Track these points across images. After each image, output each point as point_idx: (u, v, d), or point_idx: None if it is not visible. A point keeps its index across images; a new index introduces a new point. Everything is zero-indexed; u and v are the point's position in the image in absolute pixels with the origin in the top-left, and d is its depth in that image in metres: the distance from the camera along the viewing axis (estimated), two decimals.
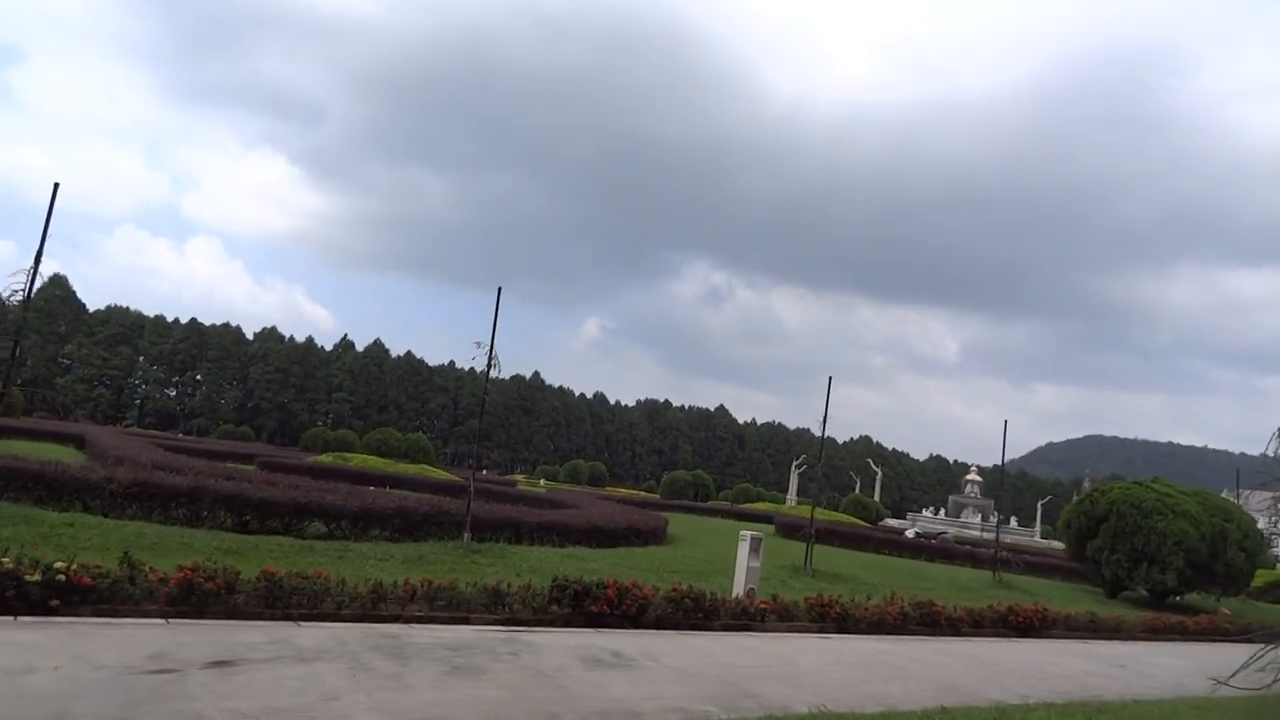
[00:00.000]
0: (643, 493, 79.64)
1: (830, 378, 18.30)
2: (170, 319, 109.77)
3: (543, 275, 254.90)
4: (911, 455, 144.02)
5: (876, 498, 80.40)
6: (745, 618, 11.70)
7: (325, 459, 31.83)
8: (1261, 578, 30.93)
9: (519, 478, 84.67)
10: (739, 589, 12.52)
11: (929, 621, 13.65)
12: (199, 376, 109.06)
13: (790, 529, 28.65)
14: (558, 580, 10.20)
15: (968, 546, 33.61)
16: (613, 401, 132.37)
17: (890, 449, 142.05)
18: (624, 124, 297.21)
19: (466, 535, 13.03)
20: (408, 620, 9.06)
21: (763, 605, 11.89)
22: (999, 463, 23.68)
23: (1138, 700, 9.57)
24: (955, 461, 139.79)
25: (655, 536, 19.25)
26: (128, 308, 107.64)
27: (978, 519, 74.95)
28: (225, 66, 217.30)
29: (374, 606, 9.03)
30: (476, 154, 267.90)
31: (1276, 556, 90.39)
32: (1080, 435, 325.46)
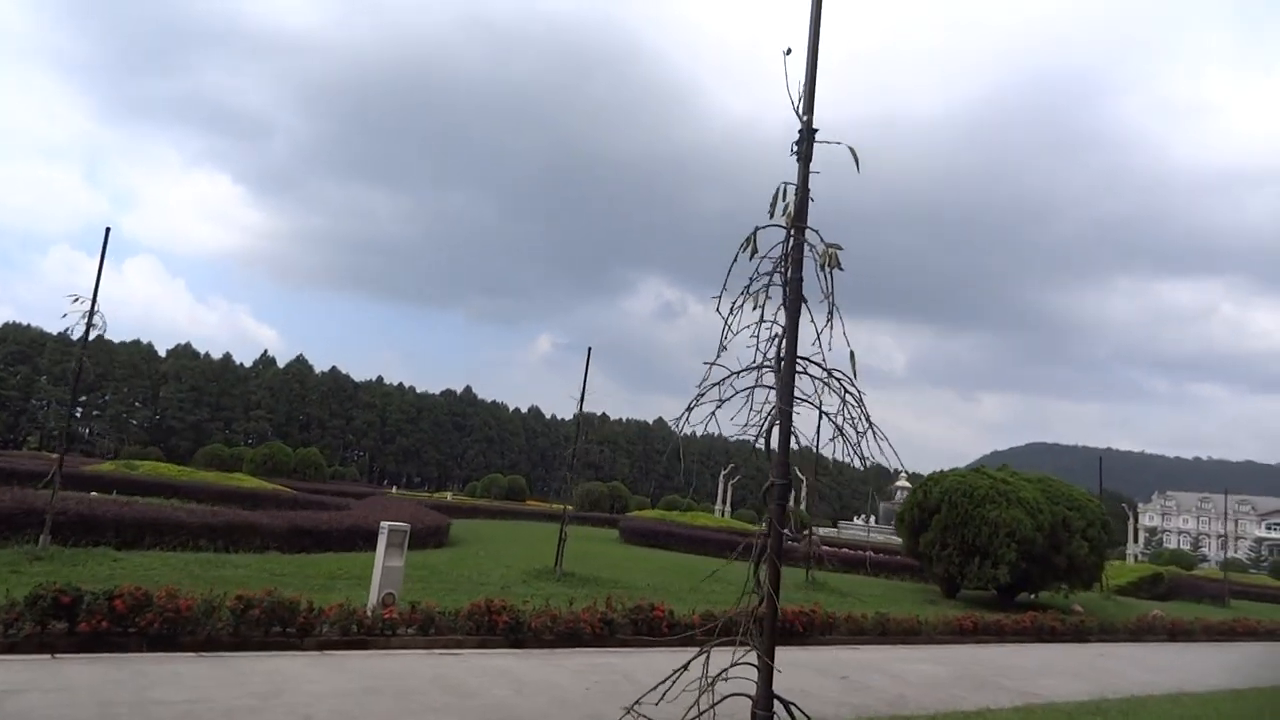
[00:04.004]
0: (557, 506, 77.15)
1: (590, 349, 16.01)
2: (75, 336, 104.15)
3: (495, 292, 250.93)
4: (854, 466, 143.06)
5: (803, 506, 78.57)
6: (364, 632, 9.22)
7: (107, 467, 28.70)
8: (1134, 573, 29.38)
9: (446, 494, 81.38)
10: (373, 596, 10.04)
11: (648, 629, 11.30)
12: (106, 396, 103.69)
13: (635, 533, 26.30)
14: (35, 591, 7.61)
15: (845, 550, 31.65)
16: (549, 416, 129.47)
17: (831, 459, 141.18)
18: (577, 141, 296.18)
19: (44, 538, 10.37)
20: None
21: (389, 616, 9.41)
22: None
23: None
24: (895, 470, 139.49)
25: (420, 540, 16.71)
26: (28, 325, 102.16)
27: None
28: (167, 83, 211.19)
29: None
30: (428, 171, 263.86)
31: (1204, 556, 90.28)
32: (1024, 443, 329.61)
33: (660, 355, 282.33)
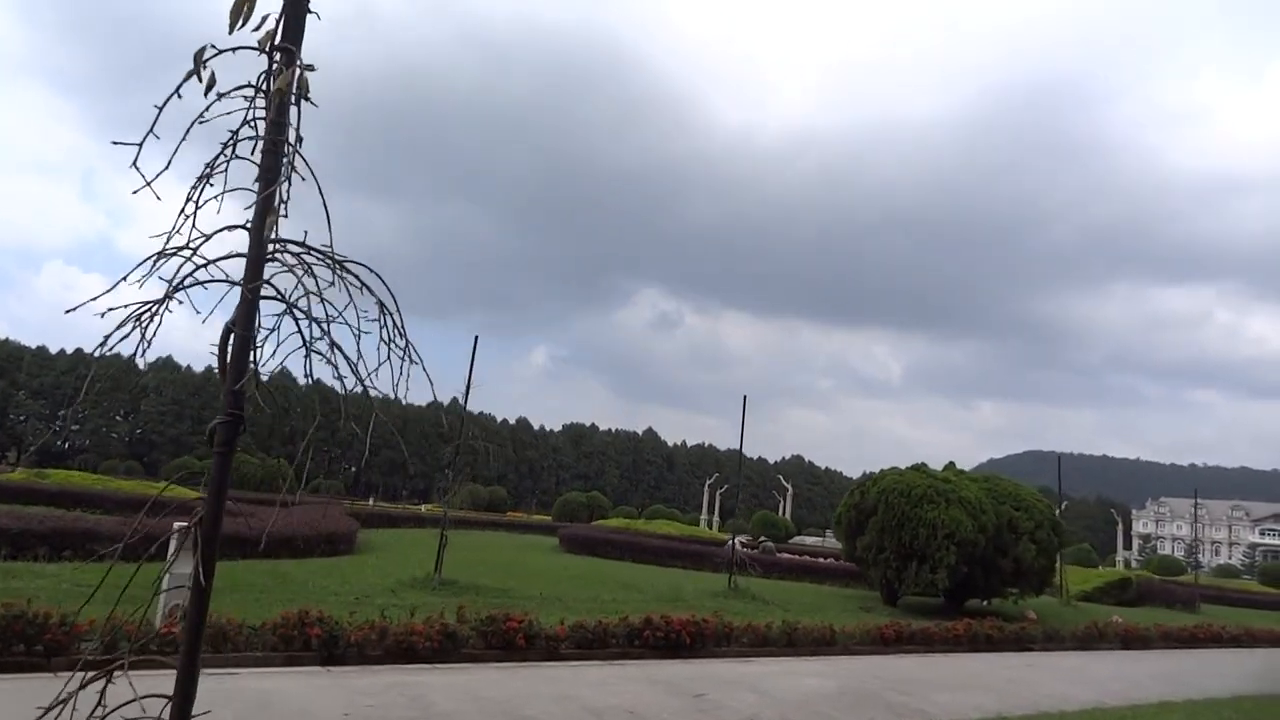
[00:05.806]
0: (539, 516, 76.21)
1: (476, 337, 14.85)
2: (55, 350, 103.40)
3: (493, 305, 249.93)
4: (845, 474, 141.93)
5: (787, 515, 77.41)
6: (141, 651, 8.02)
7: (17, 476, 27.59)
8: (1100, 578, 28.13)
9: (422, 506, 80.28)
10: (160, 611, 8.85)
11: (501, 643, 10.10)
12: (85, 410, 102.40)
13: (574, 542, 25.10)
14: None
15: (805, 556, 30.44)
16: (537, 428, 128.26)
17: (824, 468, 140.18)
18: (574, 153, 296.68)
19: None
20: None
21: (169, 631, 8.22)
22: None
23: None
24: None
25: (306, 546, 15.61)
26: (5, 339, 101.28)
27: None
28: (162, 98, 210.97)
29: None
30: (424, 184, 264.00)
31: (1197, 563, 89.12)
32: (1020, 451, 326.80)
33: (656, 366, 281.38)
